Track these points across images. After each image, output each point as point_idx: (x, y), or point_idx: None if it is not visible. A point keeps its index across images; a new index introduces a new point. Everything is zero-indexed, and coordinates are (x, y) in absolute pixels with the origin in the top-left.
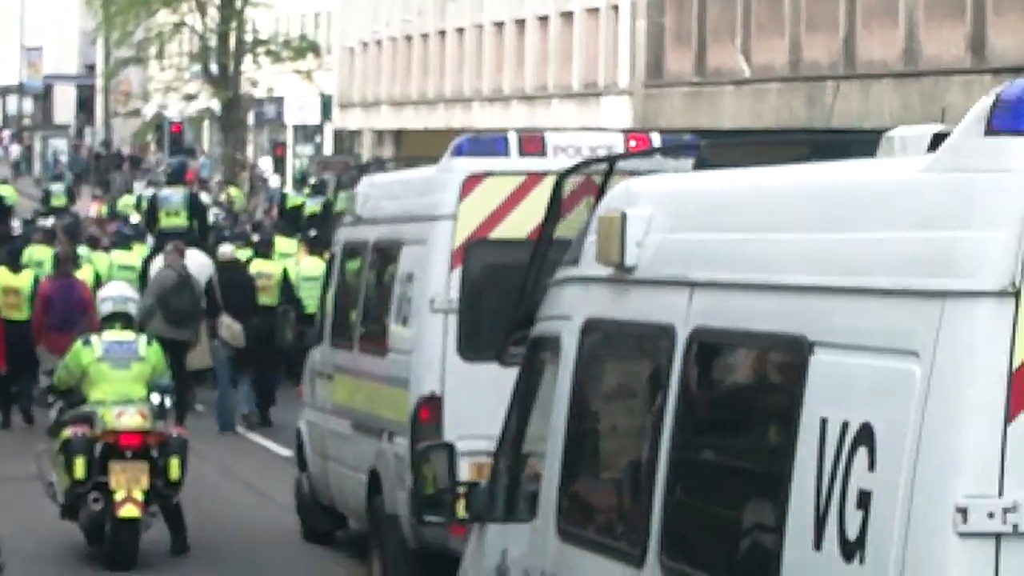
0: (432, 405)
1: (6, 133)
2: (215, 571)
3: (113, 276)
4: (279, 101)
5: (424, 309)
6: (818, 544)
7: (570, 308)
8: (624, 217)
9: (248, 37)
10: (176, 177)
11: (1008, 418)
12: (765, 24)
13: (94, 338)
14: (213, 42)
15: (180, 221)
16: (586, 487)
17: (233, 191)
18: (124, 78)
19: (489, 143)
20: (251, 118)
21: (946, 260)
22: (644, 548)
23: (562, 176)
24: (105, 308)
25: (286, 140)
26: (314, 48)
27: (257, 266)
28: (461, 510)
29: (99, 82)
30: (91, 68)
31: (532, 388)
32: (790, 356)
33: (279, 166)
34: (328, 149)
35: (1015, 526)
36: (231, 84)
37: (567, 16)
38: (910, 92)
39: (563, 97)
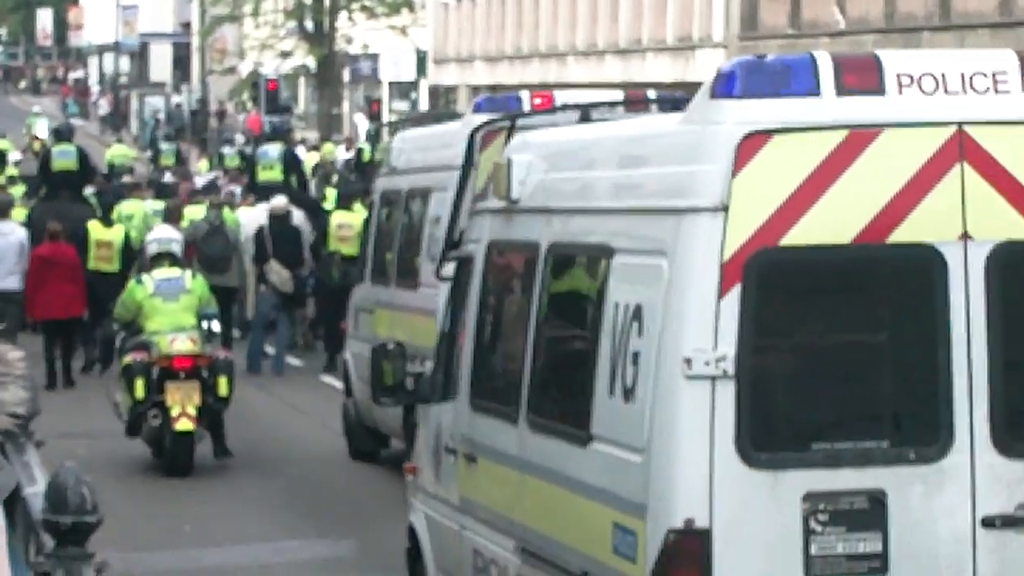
0: None
1: (96, 89)
2: (271, 484)
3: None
4: (374, 58)
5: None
6: (611, 392)
7: (480, 233)
8: (510, 162)
9: None
10: (276, 134)
11: (720, 295)
12: None
13: (145, 277)
14: None
15: (275, 175)
16: (486, 368)
17: (327, 148)
18: (219, 36)
19: (504, 101)
20: (346, 75)
21: (683, 186)
22: (518, 409)
23: (474, 131)
24: (151, 249)
25: (382, 97)
26: (408, 4)
27: (338, 217)
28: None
29: (195, 40)
30: (186, 26)
31: (459, 297)
32: (601, 260)
33: (375, 122)
34: (424, 105)
35: (724, 371)
36: (326, 41)
37: None
38: (1006, 42)
39: (657, 51)
